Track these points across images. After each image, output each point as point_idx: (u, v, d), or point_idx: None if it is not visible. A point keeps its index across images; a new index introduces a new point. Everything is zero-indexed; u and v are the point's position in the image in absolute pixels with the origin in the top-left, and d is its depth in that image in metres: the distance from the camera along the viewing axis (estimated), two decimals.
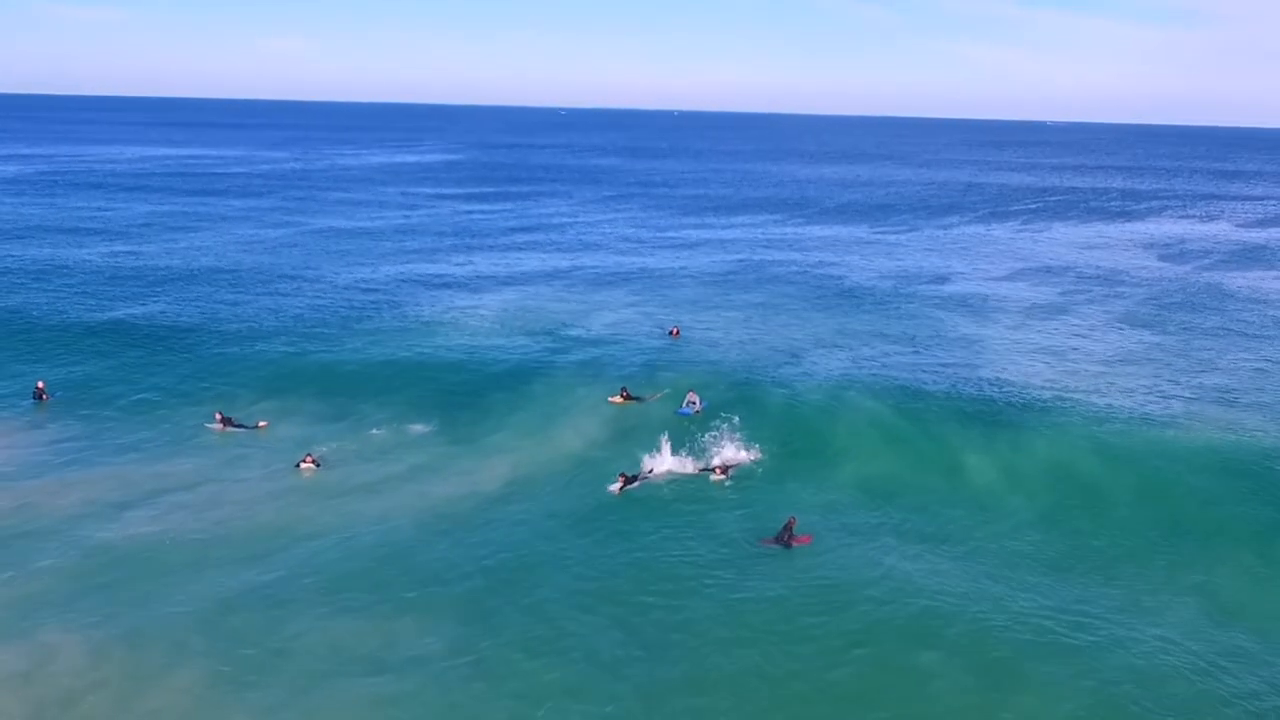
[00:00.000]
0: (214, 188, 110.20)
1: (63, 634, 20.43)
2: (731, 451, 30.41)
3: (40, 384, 37.31)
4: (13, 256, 62.06)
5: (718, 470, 28.82)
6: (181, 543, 24.80)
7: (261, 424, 33.18)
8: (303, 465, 29.36)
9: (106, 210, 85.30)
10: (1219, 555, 24.61)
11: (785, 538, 24.68)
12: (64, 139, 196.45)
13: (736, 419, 32.41)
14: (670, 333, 46.20)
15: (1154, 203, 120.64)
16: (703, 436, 31.39)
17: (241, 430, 32.99)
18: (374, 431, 32.57)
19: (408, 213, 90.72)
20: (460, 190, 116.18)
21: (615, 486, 27.81)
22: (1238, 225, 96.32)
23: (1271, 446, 31.42)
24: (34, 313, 48.18)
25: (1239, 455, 30.76)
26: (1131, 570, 23.92)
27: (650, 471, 29.05)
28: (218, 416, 33.49)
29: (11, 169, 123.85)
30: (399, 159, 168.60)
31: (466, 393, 36.50)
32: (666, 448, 29.96)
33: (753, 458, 30.20)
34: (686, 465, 29.75)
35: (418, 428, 33.08)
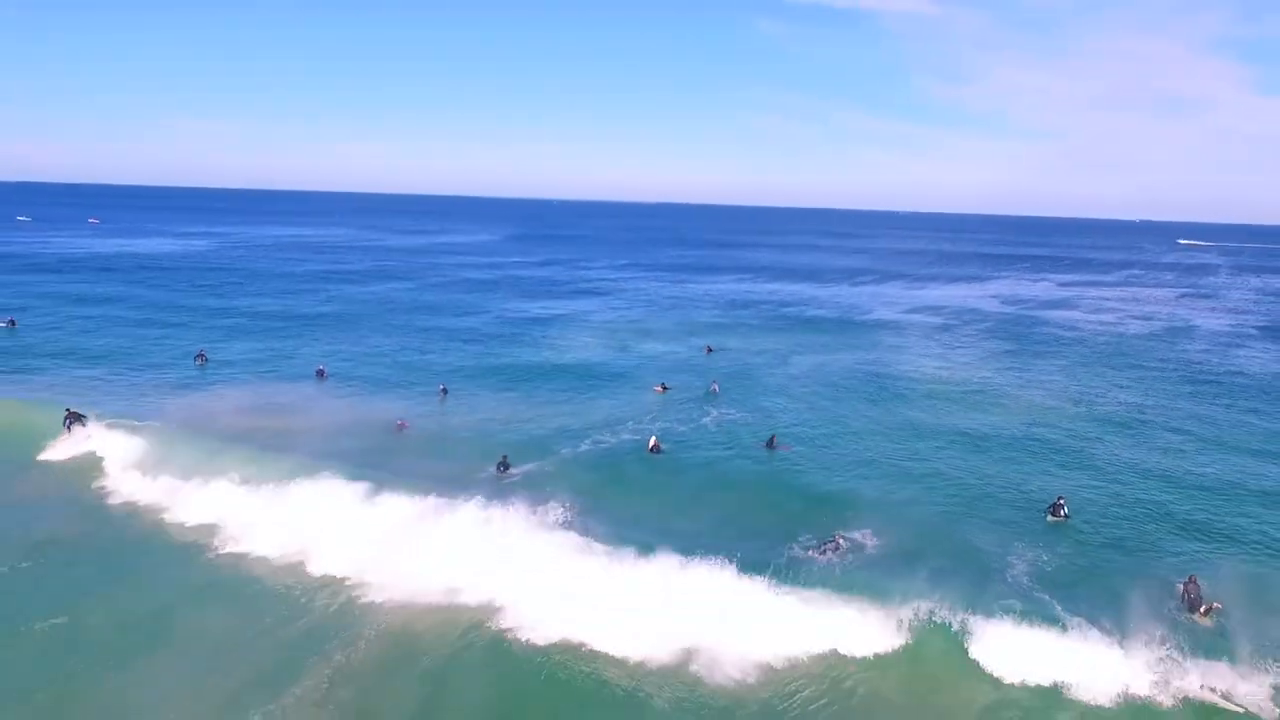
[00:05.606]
0: (354, 256, 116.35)
1: None
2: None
3: (321, 367, 42.77)
4: (253, 301, 69.98)
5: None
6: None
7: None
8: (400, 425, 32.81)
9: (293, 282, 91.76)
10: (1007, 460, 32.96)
11: (772, 444, 31.23)
12: (237, 223, 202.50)
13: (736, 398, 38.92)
14: (705, 349, 50.41)
15: (1004, 268, 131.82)
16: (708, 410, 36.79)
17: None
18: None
19: (493, 273, 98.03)
20: (525, 258, 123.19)
21: None
22: (1057, 284, 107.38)
23: (1058, 408, 41.07)
24: (300, 333, 55.51)
25: (1041, 414, 40.02)
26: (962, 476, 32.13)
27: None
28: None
29: (201, 242, 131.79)
30: (465, 238, 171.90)
31: (569, 385, 41.76)
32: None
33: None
34: None
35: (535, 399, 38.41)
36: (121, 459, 29.60)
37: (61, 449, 31.09)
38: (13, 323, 51.85)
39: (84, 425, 31.85)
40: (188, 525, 25.25)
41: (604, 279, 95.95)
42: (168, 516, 25.85)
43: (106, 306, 63.11)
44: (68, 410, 32.45)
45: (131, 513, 26.44)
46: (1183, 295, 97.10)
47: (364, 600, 20.84)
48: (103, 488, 28.32)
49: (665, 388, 40.33)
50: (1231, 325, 71.21)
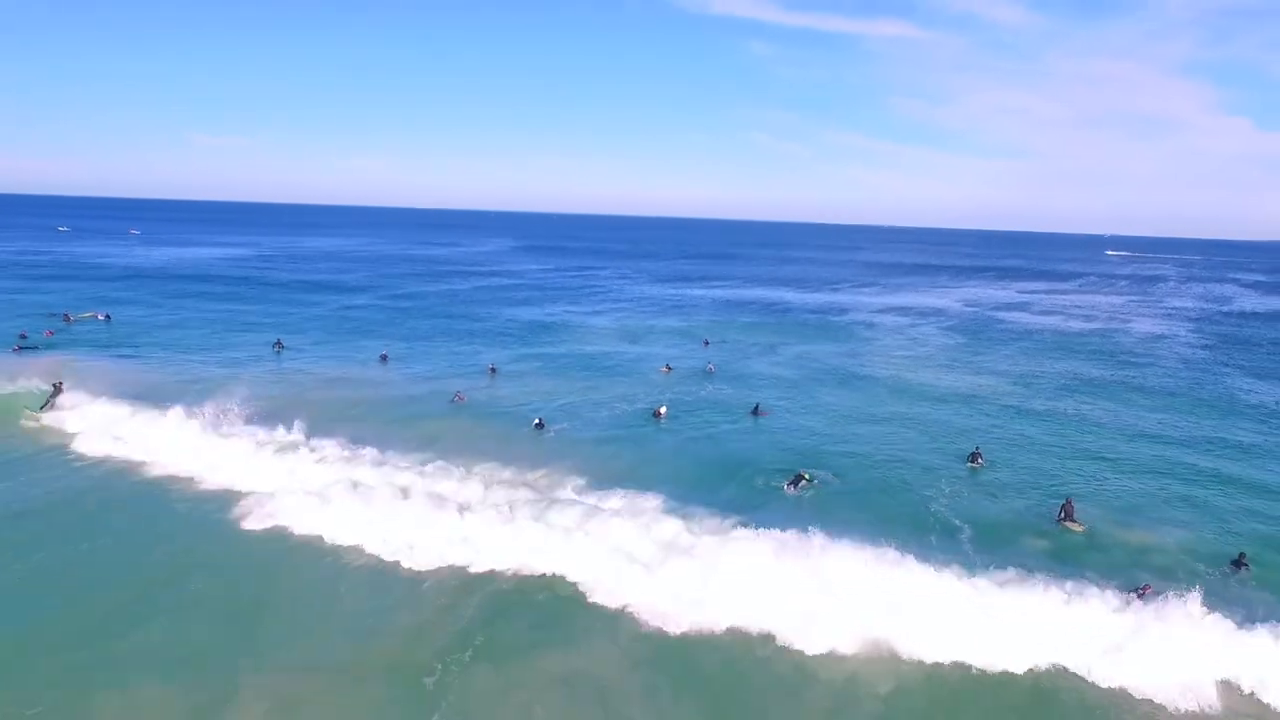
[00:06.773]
0: (387, 264, 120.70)
1: None
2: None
3: (384, 352, 47.73)
4: (313, 300, 74.76)
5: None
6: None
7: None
8: (458, 398, 37.95)
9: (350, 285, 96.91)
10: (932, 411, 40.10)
11: (756, 411, 37.21)
12: (281, 233, 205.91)
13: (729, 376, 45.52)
14: (704, 342, 55.59)
15: (974, 277, 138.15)
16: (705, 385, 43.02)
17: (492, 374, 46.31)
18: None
19: (513, 279, 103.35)
20: (539, 266, 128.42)
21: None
22: (1018, 290, 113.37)
23: (996, 384, 47.38)
24: (345, 329, 61.15)
25: (980, 388, 46.23)
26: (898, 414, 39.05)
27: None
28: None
29: (243, 251, 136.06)
30: (479, 249, 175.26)
31: (590, 367, 47.66)
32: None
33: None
34: None
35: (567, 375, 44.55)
36: (168, 433, 31.19)
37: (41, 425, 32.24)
38: (108, 317, 57.63)
39: (53, 405, 32.34)
40: (238, 490, 26.53)
41: (612, 284, 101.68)
42: (205, 486, 27.04)
43: (185, 302, 69.08)
44: (55, 384, 33.70)
45: (165, 480, 27.60)
46: (1128, 300, 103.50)
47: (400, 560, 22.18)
48: (135, 461, 29.34)
49: (670, 368, 45.99)
50: (1161, 323, 77.49)
